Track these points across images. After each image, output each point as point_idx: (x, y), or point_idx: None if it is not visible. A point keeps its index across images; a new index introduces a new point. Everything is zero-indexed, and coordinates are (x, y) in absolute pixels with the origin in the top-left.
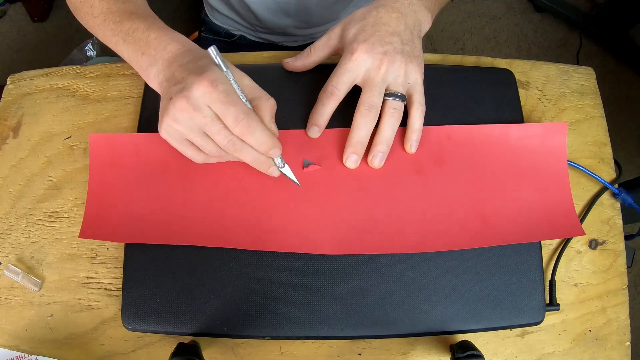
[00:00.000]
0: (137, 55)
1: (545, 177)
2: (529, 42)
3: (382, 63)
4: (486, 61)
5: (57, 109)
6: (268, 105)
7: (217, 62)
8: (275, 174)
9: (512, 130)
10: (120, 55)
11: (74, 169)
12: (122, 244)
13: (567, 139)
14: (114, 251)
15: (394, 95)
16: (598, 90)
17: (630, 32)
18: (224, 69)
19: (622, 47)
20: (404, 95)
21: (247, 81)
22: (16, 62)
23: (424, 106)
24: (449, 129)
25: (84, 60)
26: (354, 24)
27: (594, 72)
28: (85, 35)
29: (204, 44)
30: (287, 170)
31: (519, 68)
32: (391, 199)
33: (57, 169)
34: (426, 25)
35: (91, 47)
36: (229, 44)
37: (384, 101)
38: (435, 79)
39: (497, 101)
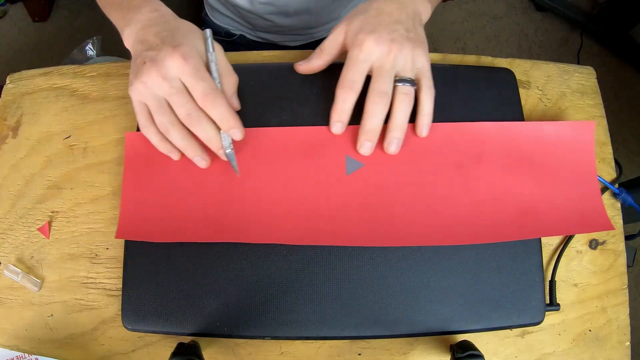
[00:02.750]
0: (119, 20)
1: (576, 173)
2: (529, 41)
3: (391, 50)
4: (487, 60)
5: (57, 109)
6: (230, 81)
7: (208, 43)
8: (222, 156)
9: (545, 127)
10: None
11: (74, 168)
12: (122, 244)
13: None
14: (114, 251)
15: (403, 80)
16: (599, 89)
17: (631, 31)
18: (211, 50)
19: (623, 47)
20: (414, 80)
21: (221, 58)
22: (16, 62)
23: (433, 89)
24: (484, 126)
25: (84, 60)
26: (357, 18)
27: (594, 72)
28: (85, 35)
29: None
30: (231, 156)
31: (520, 67)
32: (432, 194)
33: (56, 169)
34: (425, 15)
35: (91, 47)
36: (228, 43)
37: (394, 87)
38: (436, 79)
39: (498, 101)
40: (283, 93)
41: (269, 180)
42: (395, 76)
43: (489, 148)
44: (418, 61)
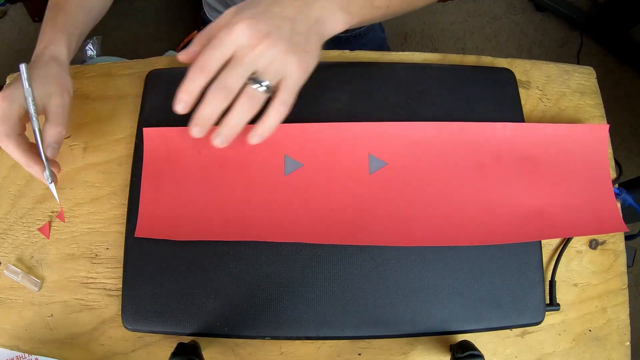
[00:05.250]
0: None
1: (590, 175)
2: (529, 41)
3: (260, 43)
4: (486, 61)
5: None
6: (49, 132)
7: (22, 79)
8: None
9: (561, 129)
10: None
11: (74, 168)
12: (122, 244)
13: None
14: (114, 251)
15: (257, 81)
16: (599, 89)
17: (631, 31)
18: (26, 86)
19: (623, 47)
20: (270, 87)
21: (55, 102)
22: (16, 62)
23: (288, 107)
24: (503, 126)
25: (84, 60)
26: (250, 2)
27: (594, 72)
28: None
29: None
30: (52, 188)
31: (520, 67)
32: (452, 194)
33: None
34: (332, 26)
35: (91, 47)
36: None
37: (244, 85)
38: (436, 79)
39: (498, 101)
40: None
41: (289, 179)
42: (253, 73)
43: (507, 148)
44: (287, 68)
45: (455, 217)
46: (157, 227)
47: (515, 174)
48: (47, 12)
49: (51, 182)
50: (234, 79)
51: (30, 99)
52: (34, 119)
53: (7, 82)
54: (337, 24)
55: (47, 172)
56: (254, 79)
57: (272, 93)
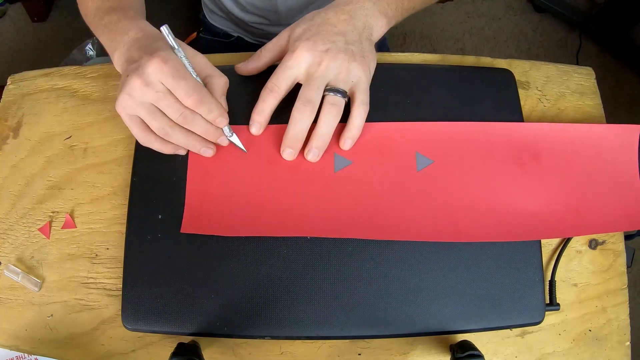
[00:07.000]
0: (109, 43)
1: (621, 174)
2: (528, 42)
3: (323, 60)
4: (486, 61)
5: (57, 109)
6: (220, 82)
7: (168, 40)
8: (224, 143)
9: (596, 129)
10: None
11: (74, 169)
12: (122, 244)
13: None
14: (114, 251)
15: (334, 90)
16: (598, 90)
17: (630, 32)
18: (176, 47)
19: (622, 47)
20: (345, 92)
21: (201, 59)
22: (16, 63)
23: (368, 106)
24: (543, 127)
25: (84, 60)
26: (301, 24)
27: (593, 72)
28: (85, 35)
29: (202, 44)
30: (235, 139)
31: (519, 68)
32: (496, 192)
33: (57, 169)
34: (378, 30)
35: (91, 47)
36: (227, 44)
37: (323, 96)
38: (435, 79)
39: (497, 101)
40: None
41: (339, 176)
42: (327, 86)
43: (545, 147)
44: (353, 74)
45: (498, 215)
46: (202, 223)
47: (552, 173)
48: (102, 19)
49: (232, 135)
50: (313, 92)
51: (185, 59)
52: (196, 76)
53: (7, 83)
54: (381, 27)
55: (227, 127)
56: (329, 89)
57: (347, 98)
